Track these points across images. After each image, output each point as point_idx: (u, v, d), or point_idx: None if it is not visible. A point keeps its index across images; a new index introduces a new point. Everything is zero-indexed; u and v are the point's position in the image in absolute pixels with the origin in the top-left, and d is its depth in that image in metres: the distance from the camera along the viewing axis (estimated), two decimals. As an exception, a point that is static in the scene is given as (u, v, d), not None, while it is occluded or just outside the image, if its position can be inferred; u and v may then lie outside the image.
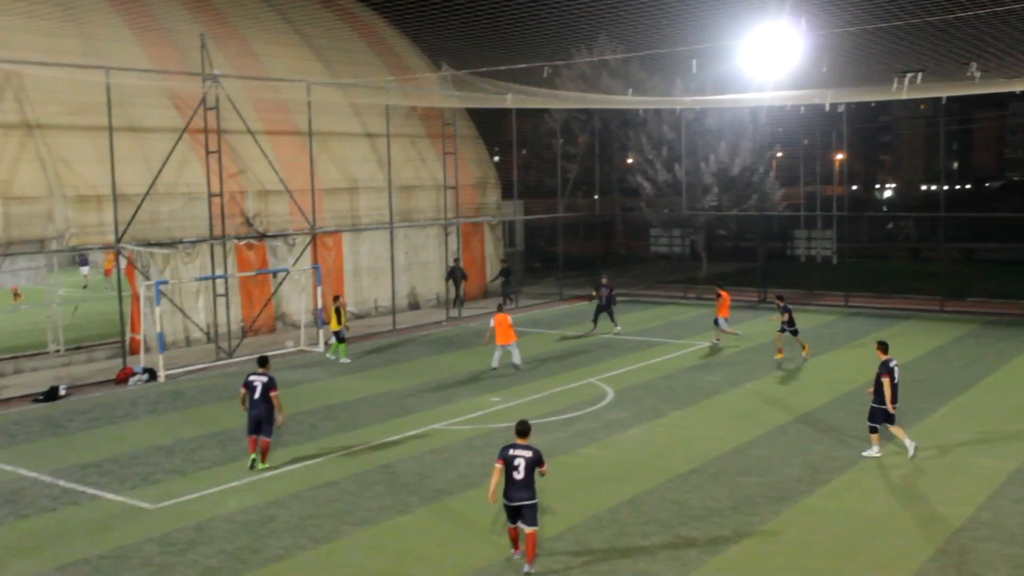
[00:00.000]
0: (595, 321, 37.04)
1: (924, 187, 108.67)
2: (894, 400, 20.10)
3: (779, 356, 30.81)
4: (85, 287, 49.99)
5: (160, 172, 32.56)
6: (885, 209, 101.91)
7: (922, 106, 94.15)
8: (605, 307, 36.82)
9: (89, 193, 31.72)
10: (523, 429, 15.31)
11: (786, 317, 30.97)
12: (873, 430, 20.52)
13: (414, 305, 43.38)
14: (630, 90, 45.89)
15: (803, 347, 31.23)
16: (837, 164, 67.75)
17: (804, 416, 23.84)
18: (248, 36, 40.33)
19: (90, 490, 19.18)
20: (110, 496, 18.84)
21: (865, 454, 20.51)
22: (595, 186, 54.72)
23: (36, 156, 31.17)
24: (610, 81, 52.33)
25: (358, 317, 40.12)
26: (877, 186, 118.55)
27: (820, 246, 51.08)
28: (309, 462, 20.85)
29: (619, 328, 36.80)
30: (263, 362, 20.56)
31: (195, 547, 16.08)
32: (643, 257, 57.83)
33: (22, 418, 25.39)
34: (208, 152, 33.68)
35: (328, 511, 17.70)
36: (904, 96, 34.79)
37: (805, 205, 59.52)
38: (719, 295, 34.06)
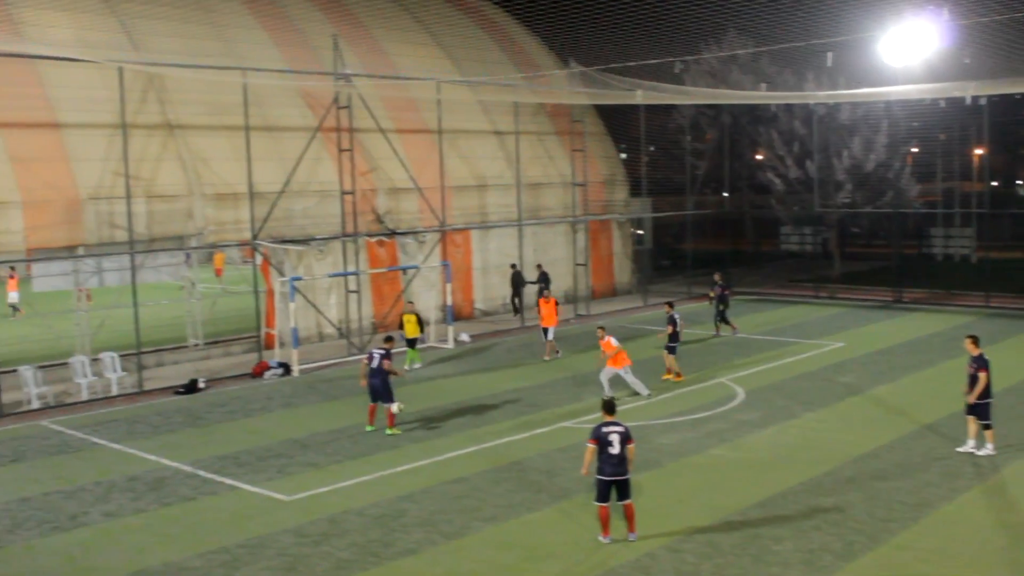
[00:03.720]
0: (720, 323, 36.29)
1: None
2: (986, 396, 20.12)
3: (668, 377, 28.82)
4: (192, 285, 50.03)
5: (294, 170, 33.30)
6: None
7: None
8: (718, 308, 36.05)
9: (226, 191, 32.58)
10: (611, 406, 16.33)
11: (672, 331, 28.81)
12: (987, 427, 20.27)
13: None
14: (763, 85, 45.10)
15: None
16: (976, 159, 65.54)
17: (942, 420, 23.10)
18: (378, 36, 40.90)
19: (228, 481, 19.69)
20: (247, 487, 19.31)
21: (981, 452, 20.15)
22: (724, 183, 54.01)
23: (177, 156, 32.15)
24: (739, 76, 51.55)
25: (486, 314, 40.35)
26: (1019, 182, 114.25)
27: (958, 244, 49.49)
28: (439, 457, 21.03)
29: (733, 331, 35.80)
30: (388, 339, 23.65)
31: (329, 539, 16.37)
32: (773, 255, 56.85)
33: (164, 409, 26.23)
34: (340, 150, 34.31)
35: (458, 507, 17.82)
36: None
37: (942, 202, 57.71)
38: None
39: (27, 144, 29.28)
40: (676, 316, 28.88)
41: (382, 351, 22.93)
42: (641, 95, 39.19)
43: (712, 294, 36.76)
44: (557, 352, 32.16)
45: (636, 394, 25.95)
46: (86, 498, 18.86)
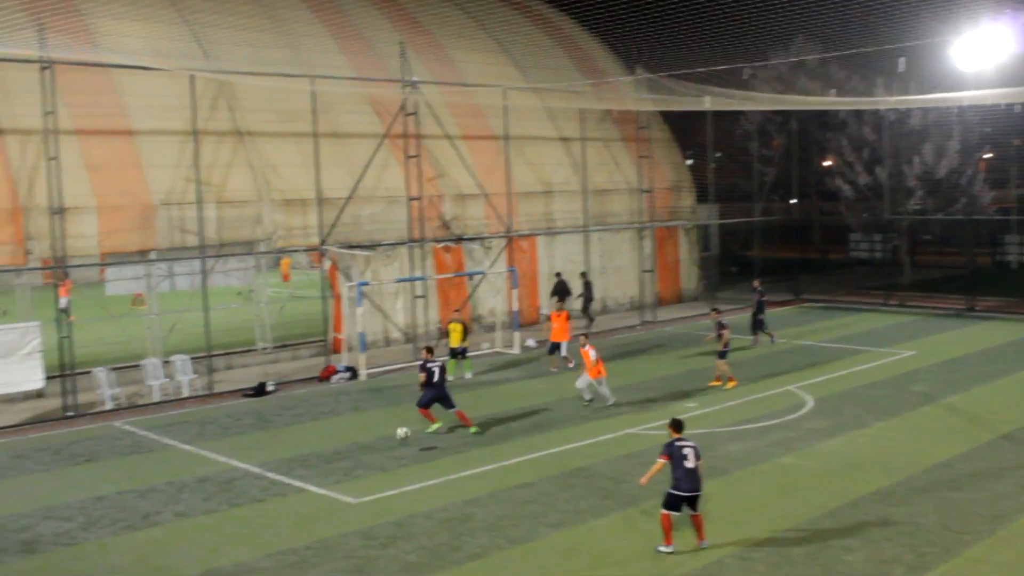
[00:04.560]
0: (764, 331, 35.51)
1: None
2: None
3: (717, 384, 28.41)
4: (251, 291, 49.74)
5: (362, 177, 33.58)
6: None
7: None
8: (755, 314, 35.40)
9: (294, 197, 32.93)
10: (680, 424, 16.25)
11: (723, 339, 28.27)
12: None
13: (607, 309, 43.29)
14: (833, 91, 44.62)
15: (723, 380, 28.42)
16: (1053, 165, 64.24)
17: (1018, 430, 22.64)
18: (445, 43, 41.10)
19: (296, 483, 19.87)
20: (315, 489, 19.47)
21: None
22: (792, 189, 53.49)
23: (246, 162, 32.56)
24: (808, 82, 51.05)
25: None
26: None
27: (1035, 252, 48.50)
28: (505, 462, 21.06)
29: (772, 338, 35.16)
30: (430, 351, 24.30)
31: (396, 542, 16.44)
32: (842, 262, 56.18)
33: (233, 412, 26.56)
34: (407, 157, 34.53)
35: (524, 512, 17.82)
36: None
37: (1017, 209, 56.61)
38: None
39: (102, 151, 29.84)
40: (723, 322, 28.59)
41: (439, 363, 23.82)
42: (709, 101, 38.96)
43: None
44: (570, 363, 30.87)
45: (612, 404, 25.86)
46: (158, 498, 19.15)
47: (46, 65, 26.71)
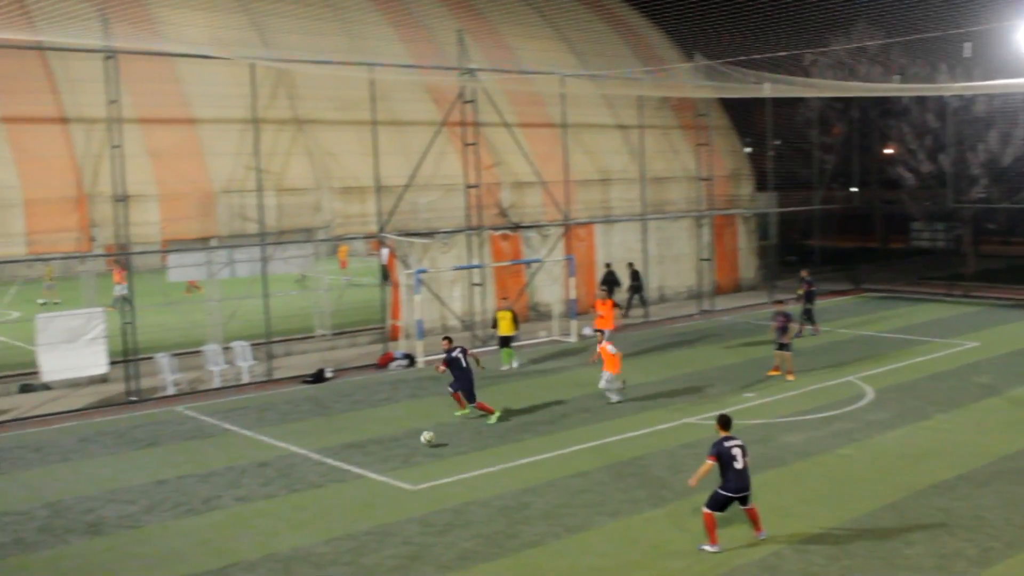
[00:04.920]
0: (810, 322, 35.01)
1: None
2: None
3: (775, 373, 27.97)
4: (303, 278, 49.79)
5: (419, 164, 33.68)
6: None
7: None
8: (804, 305, 34.90)
9: (353, 185, 33.12)
10: (727, 421, 15.72)
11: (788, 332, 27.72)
12: None
13: (664, 297, 43.09)
14: (896, 77, 43.93)
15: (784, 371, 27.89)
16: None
17: (1086, 423, 22.26)
18: (503, 30, 41.07)
19: (355, 469, 20.01)
20: (373, 476, 19.61)
21: None
22: (853, 177, 52.81)
23: (305, 150, 32.79)
24: (869, 68, 50.32)
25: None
26: None
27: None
28: (561, 451, 21.05)
29: (815, 331, 34.66)
30: (449, 340, 24.57)
31: (453, 529, 16.51)
32: (903, 252, 55.43)
33: (292, 398, 26.80)
34: (465, 144, 34.58)
35: (581, 501, 17.81)
36: None
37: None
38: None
39: (164, 139, 30.21)
40: (788, 313, 28.19)
41: (459, 349, 24.18)
42: (769, 88, 38.56)
43: (800, 291, 35.45)
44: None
45: (618, 400, 25.33)
46: (218, 482, 19.39)
47: (110, 55, 27.08)
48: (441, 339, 25.19)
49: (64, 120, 28.74)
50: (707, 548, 15.22)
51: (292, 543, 16.07)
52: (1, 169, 27.27)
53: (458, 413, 24.07)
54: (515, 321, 30.34)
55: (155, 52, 29.50)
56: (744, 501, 15.41)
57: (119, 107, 27.27)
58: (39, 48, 28.23)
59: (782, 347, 27.76)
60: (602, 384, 25.45)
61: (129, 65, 28.23)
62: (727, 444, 15.27)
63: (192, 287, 44.35)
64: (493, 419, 23.53)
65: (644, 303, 39.63)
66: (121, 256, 28.09)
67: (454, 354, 23.89)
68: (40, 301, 44.01)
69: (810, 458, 20.22)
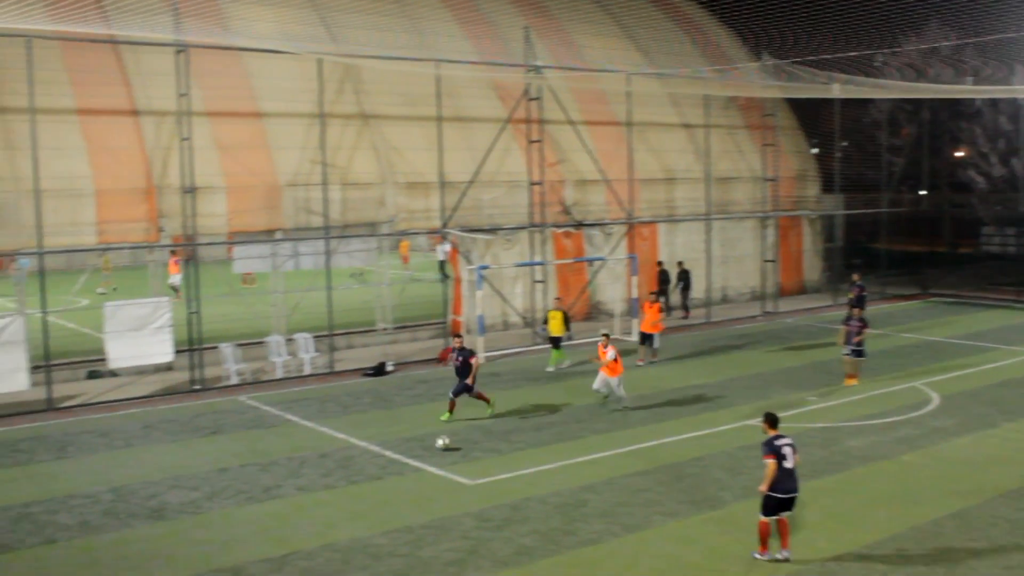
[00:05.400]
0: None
1: None
2: None
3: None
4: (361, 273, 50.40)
5: (484, 161, 33.75)
6: None
7: None
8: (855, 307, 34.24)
9: (417, 180, 33.27)
10: (775, 419, 15.23)
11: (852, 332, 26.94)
12: None
13: (727, 298, 42.78)
14: (969, 79, 43.17)
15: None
16: None
17: None
18: (569, 27, 41.00)
19: (413, 462, 20.11)
20: (432, 469, 19.69)
21: None
22: (922, 180, 52.01)
23: (371, 145, 33.00)
24: (941, 69, 49.50)
25: (671, 309, 39.98)
26: None
27: None
28: (620, 450, 20.99)
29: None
30: (459, 337, 24.54)
31: (510, 525, 16.53)
32: (972, 257, 54.41)
33: (353, 390, 27.01)
34: (530, 141, 34.59)
35: (639, 500, 17.74)
36: None
37: None
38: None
39: (232, 132, 30.57)
40: (864, 318, 27.53)
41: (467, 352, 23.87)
42: (838, 88, 38.10)
43: (851, 295, 34.57)
44: (654, 358, 30.48)
45: (621, 404, 24.63)
46: (279, 472, 19.59)
47: (181, 48, 27.47)
48: (453, 337, 25.10)
49: (135, 112, 29.20)
50: (757, 556, 14.91)
51: (350, 534, 16.19)
52: (74, 160, 27.77)
53: (443, 417, 23.64)
54: (566, 321, 30.16)
55: (225, 47, 29.88)
56: (790, 506, 14.87)
57: (189, 100, 27.65)
58: (113, 42, 28.70)
59: (856, 353, 27.11)
60: (597, 386, 24.72)
61: (199, 59, 28.63)
62: (778, 442, 14.81)
63: (248, 278, 44.98)
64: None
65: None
66: (187, 247, 28.44)
67: (455, 356, 23.80)
68: (99, 291, 44.79)
69: (872, 464, 19.96)
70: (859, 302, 33.80)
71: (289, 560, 15.10)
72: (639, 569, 14.77)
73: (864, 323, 27.21)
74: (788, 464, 14.68)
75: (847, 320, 27.50)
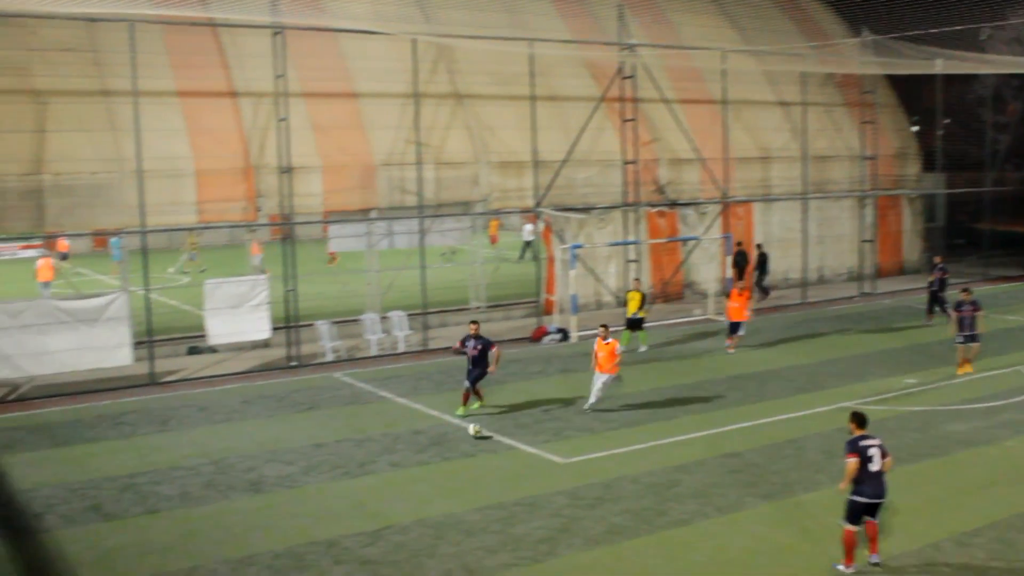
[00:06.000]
0: (929, 311, 33.41)
1: None
2: None
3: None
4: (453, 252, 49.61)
5: (577, 140, 33.64)
6: None
7: None
8: (935, 293, 33.26)
9: (510, 159, 33.31)
10: (863, 418, 14.15)
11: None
12: None
13: (823, 279, 42.11)
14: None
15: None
16: None
17: None
18: (663, 5, 40.55)
19: (506, 440, 20.21)
20: (524, 447, 19.77)
21: None
22: (1028, 158, 50.57)
23: (464, 124, 33.12)
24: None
25: (764, 289, 39.50)
26: None
27: None
28: (714, 430, 20.84)
29: (928, 319, 33.01)
30: (476, 323, 22.97)
31: (602, 503, 16.52)
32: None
33: (446, 368, 27.20)
34: (623, 120, 34.39)
35: (732, 480, 17.60)
36: None
37: None
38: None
39: (327, 113, 30.92)
40: (976, 301, 26.21)
41: (471, 342, 22.39)
42: (941, 64, 37.16)
43: (931, 278, 33.78)
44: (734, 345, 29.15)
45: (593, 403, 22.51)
46: (373, 448, 19.85)
47: (278, 31, 27.84)
48: (469, 323, 23.35)
49: (233, 94, 29.70)
50: (840, 568, 13.81)
51: (443, 509, 16.34)
52: (175, 141, 28.37)
53: (474, 407, 22.45)
54: (643, 302, 29.71)
55: (321, 28, 30.22)
56: (875, 511, 13.91)
57: (286, 81, 28.05)
58: (212, 25, 29.24)
59: (970, 339, 26.03)
60: (597, 391, 22.46)
61: (295, 41, 29.03)
62: (863, 443, 13.77)
63: (332, 257, 45.79)
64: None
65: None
66: (283, 226, 28.89)
67: (469, 344, 22.40)
68: (184, 271, 45.85)
69: (972, 448, 19.51)
70: (940, 286, 32.96)
71: (383, 535, 15.30)
72: (730, 551, 14.67)
73: (976, 306, 26.14)
74: (874, 467, 13.68)
75: (958, 306, 26.39)
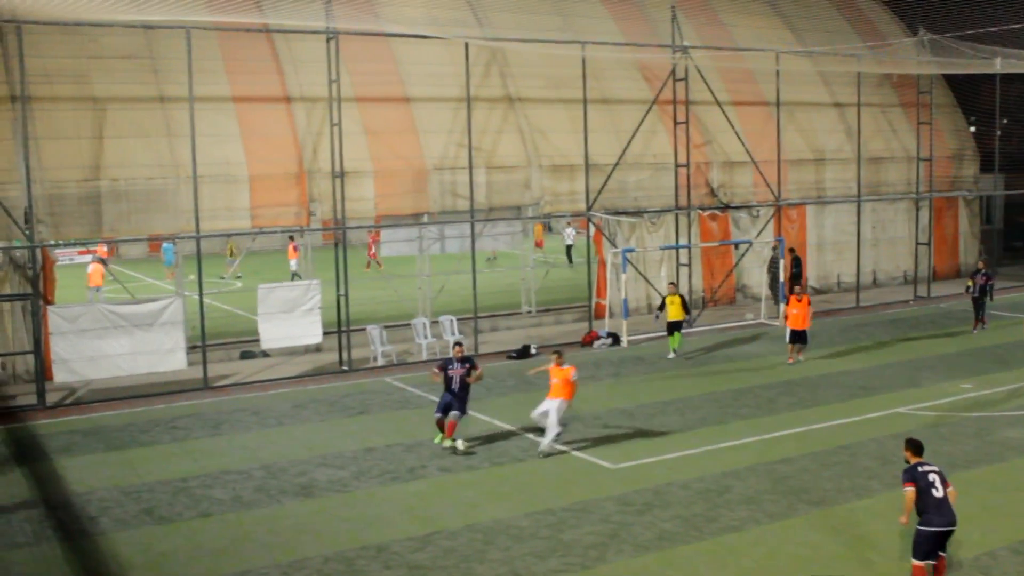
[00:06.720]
0: (977, 319, 32.35)
1: None
2: None
3: None
4: (494, 257, 50.19)
5: (629, 143, 33.53)
6: None
7: None
8: (978, 298, 32.18)
9: (562, 163, 33.28)
10: (919, 445, 13.45)
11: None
12: None
13: (877, 282, 41.63)
14: None
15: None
16: None
17: None
18: (716, 6, 40.32)
19: (557, 445, 20.14)
20: (574, 453, 19.74)
21: None
22: (1089, 159, 49.63)
23: (516, 128, 33.15)
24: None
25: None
26: None
27: None
28: (765, 436, 20.68)
29: (978, 326, 32.07)
30: (460, 345, 20.81)
31: (652, 509, 16.46)
32: None
33: (497, 373, 27.21)
34: (676, 123, 34.24)
35: (784, 487, 17.46)
36: None
37: None
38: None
39: (380, 117, 31.08)
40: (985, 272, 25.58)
41: (454, 367, 20.28)
42: (1000, 63, 36.59)
43: (970, 283, 32.56)
44: (800, 356, 28.22)
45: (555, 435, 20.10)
46: (423, 452, 19.91)
47: (332, 36, 28.06)
48: (453, 345, 21.30)
49: (287, 99, 29.95)
50: None
51: (493, 515, 16.37)
52: (229, 146, 28.66)
53: (437, 440, 20.39)
54: (685, 306, 29.34)
55: (374, 33, 30.40)
56: (945, 542, 13.13)
57: (339, 86, 28.24)
58: (266, 31, 29.51)
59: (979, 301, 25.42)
60: (537, 414, 20.18)
61: (349, 46, 29.24)
62: (922, 470, 13.06)
63: (374, 260, 46.26)
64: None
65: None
66: (338, 230, 29.07)
67: (450, 368, 20.23)
68: (223, 277, 46.18)
69: (1031, 455, 19.23)
70: (983, 291, 32.03)
71: (432, 539, 15.35)
72: (781, 558, 14.55)
73: (989, 277, 25.49)
74: (938, 493, 12.90)
75: (974, 274, 26.02)
